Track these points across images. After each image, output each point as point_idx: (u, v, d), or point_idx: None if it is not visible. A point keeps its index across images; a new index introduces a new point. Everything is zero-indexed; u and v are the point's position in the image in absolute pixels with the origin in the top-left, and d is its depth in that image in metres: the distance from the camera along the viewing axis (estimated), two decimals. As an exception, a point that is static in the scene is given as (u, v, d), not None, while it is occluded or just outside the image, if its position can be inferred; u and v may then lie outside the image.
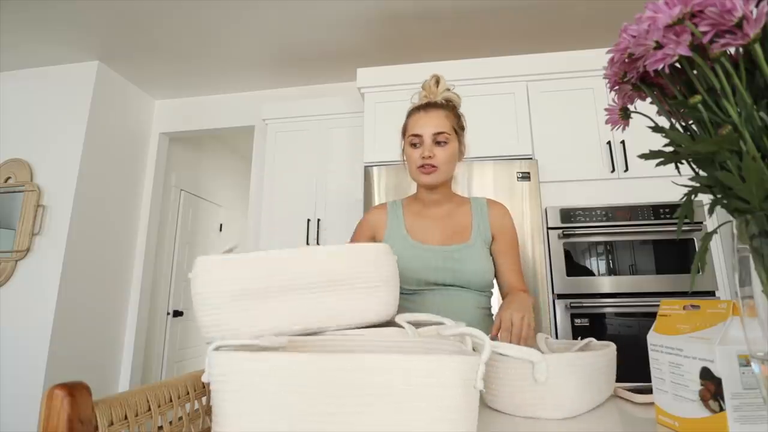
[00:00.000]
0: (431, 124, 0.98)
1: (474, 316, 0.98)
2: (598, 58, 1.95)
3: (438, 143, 0.98)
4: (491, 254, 1.03)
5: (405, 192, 1.96)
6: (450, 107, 1.02)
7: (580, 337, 0.75)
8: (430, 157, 0.97)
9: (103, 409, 0.41)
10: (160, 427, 0.48)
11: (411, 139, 1.00)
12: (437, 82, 1.02)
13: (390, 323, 0.66)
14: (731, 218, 0.35)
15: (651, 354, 0.55)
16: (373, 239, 1.07)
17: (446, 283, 0.96)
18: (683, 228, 1.76)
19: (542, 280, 1.85)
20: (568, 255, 1.91)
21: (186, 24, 2.39)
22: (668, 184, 1.91)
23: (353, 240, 1.10)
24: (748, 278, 0.33)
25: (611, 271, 1.87)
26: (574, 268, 1.90)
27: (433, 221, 1.04)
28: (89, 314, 2.60)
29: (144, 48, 2.61)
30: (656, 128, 0.40)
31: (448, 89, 1.03)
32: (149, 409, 0.47)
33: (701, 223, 1.83)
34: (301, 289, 0.58)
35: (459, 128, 1.02)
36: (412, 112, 1.03)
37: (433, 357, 0.39)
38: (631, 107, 0.44)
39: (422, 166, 0.98)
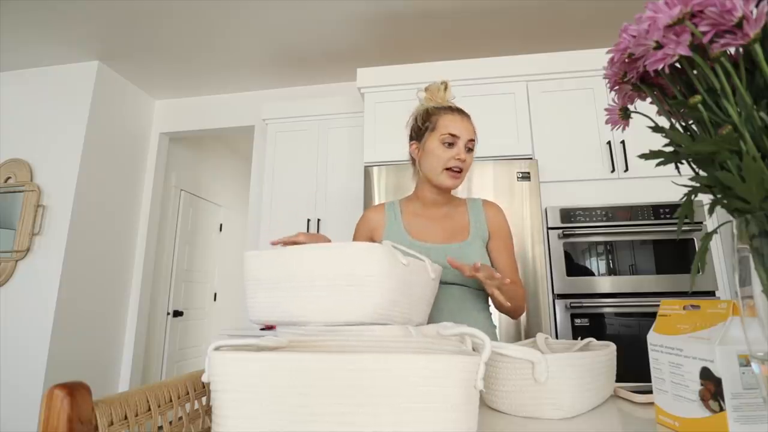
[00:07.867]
0: (468, 129, 1.02)
1: (474, 313, 1.00)
2: (598, 58, 1.95)
3: (469, 150, 1.03)
4: (488, 252, 1.05)
5: (405, 192, 1.94)
6: None
7: (580, 337, 0.75)
8: (464, 160, 1.00)
9: (103, 409, 0.41)
10: (160, 427, 0.48)
11: (446, 137, 1.00)
12: (446, 88, 1.05)
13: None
14: (731, 218, 0.35)
15: (651, 354, 0.55)
16: (371, 240, 1.08)
17: (447, 280, 0.97)
18: (683, 228, 1.75)
19: (542, 280, 1.85)
20: (568, 255, 1.91)
21: (186, 24, 2.39)
22: (668, 184, 1.91)
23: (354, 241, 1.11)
24: (748, 278, 0.33)
25: (611, 271, 1.87)
26: (574, 268, 1.90)
27: (433, 221, 1.07)
28: (89, 314, 2.60)
29: (144, 48, 2.61)
30: (656, 128, 0.40)
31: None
32: (149, 409, 0.47)
33: (701, 223, 1.83)
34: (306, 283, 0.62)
35: None
36: (443, 112, 1.03)
37: (434, 357, 0.39)
38: (631, 107, 0.44)
39: (452, 168, 1.00)
